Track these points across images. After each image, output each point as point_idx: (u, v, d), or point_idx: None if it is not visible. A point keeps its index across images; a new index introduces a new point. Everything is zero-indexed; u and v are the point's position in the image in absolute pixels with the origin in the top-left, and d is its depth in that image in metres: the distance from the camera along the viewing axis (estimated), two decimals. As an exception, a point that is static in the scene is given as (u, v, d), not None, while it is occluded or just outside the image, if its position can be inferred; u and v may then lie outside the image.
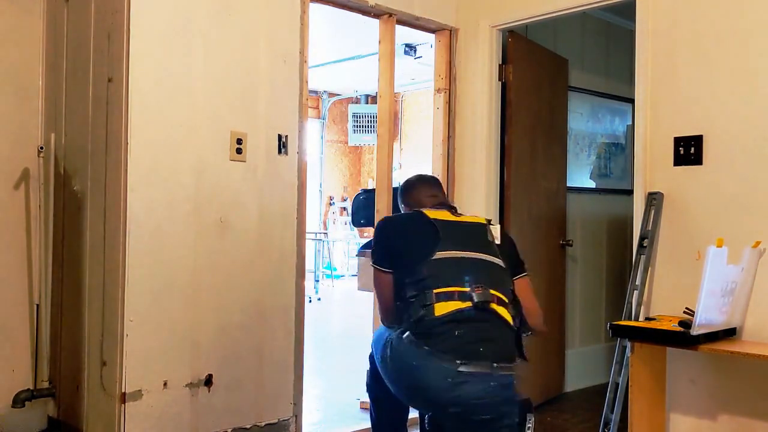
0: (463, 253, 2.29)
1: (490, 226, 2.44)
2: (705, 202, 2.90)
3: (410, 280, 2.25)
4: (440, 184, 2.74)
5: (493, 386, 2.11)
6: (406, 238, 2.39)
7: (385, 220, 2.61)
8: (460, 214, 2.48)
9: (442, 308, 2.16)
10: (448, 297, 2.18)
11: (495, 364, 2.12)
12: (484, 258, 2.31)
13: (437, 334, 2.14)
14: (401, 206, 2.70)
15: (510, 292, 2.31)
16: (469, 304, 2.17)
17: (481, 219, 2.50)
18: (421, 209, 2.44)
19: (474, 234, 2.38)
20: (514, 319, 2.27)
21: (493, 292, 2.22)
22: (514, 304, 2.33)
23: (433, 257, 2.25)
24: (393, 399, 2.42)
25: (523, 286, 2.42)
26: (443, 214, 2.41)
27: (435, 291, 2.18)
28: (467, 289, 2.19)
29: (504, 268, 2.34)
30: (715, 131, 2.88)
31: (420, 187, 2.63)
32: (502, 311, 2.23)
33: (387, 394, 2.42)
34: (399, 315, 2.30)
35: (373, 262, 2.44)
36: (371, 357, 2.55)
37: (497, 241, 2.39)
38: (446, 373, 2.10)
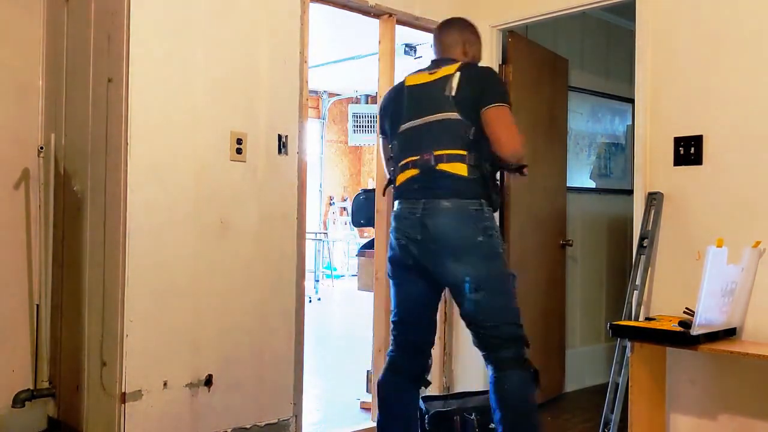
0: (417, 122, 2.57)
1: (455, 75, 2.51)
2: (705, 202, 2.90)
3: (389, 157, 2.72)
4: (452, 27, 2.78)
5: (452, 214, 2.44)
6: (387, 111, 2.74)
7: (383, 97, 2.87)
8: (437, 71, 2.59)
9: (401, 178, 2.59)
10: (405, 167, 2.58)
11: (450, 198, 2.45)
12: (434, 119, 2.52)
13: (402, 191, 2.59)
14: None
15: (465, 143, 2.46)
16: (418, 171, 2.52)
17: (451, 69, 2.55)
18: (404, 79, 2.68)
19: (431, 95, 2.55)
20: (473, 168, 2.46)
21: (440, 152, 2.47)
22: (478, 149, 2.47)
23: (399, 131, 2.61)
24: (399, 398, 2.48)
25: (489, 117, 2.45)
26: (419, 78, 2.62)
27: (399, 164, 2.60)
28: (417, 158, 2.52)
29: (457, 120, 2.47)
30: (715, 131, 2.88)
31: (435, 39, 2.80)
32: (453, 167, 2.46)
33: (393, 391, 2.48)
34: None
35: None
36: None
37: (453, 93, 2.49)
38: (412, 211, 2.51)
